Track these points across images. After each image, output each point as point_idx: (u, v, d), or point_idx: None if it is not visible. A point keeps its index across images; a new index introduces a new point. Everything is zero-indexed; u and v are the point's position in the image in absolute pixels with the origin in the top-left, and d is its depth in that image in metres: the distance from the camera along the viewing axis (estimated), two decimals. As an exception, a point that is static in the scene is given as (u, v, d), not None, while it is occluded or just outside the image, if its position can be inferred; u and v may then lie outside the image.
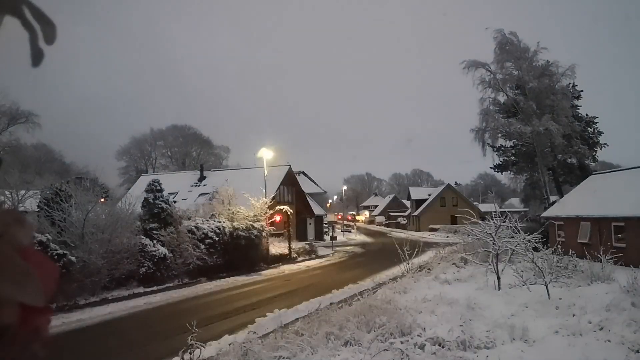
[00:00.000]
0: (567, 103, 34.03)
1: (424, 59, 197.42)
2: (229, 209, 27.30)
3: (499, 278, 13.91)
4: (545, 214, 28.79)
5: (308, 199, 47.88)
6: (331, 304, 12.65)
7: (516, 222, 15.16)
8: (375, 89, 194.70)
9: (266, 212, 28.47)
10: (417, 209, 75.65)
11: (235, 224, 25.66)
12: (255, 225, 26.49)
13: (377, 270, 22.77)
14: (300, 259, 31.72)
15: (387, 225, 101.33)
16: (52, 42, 0.76)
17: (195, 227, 23.29)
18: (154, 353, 10.08)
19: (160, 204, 21.97)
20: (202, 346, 8.35)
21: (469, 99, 77.37)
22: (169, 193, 28.32)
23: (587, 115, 36.58)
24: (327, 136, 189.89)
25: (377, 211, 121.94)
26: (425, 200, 75.11)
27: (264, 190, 29.61)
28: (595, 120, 36.38)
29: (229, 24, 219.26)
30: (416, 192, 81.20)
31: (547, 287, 12.28)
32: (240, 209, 27.44)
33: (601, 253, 16.11)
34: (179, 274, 21.18)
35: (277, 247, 30.07)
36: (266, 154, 30.33)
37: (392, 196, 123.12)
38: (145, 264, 19.72)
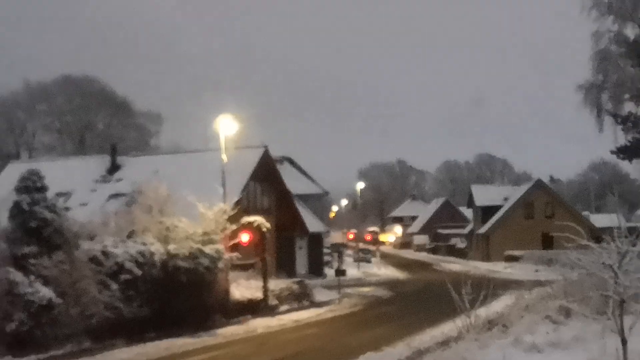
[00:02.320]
0: None
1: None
2: (160, 222, 27.19)
3: (625, 342, 13.90)
4: None
5: (297, 204, 47.75)
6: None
7: (656, 245, 15.13)
8: (416, 29, 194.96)
9: (225, 228, 28.40)
10: (484, 222, 75.62)
11: (171, 247, 25.57)
12: (207, 250, 26.41)
13: (416, 328, 22.70)
14: (283, 308, 31.60)
15: (432, 251, 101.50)
16: None
17: (103, 252, 23.19)
18: None
19: (42, 213, 21.85)
20: None
21: (574, 37, 77.27)
22: (56, 194, 28.11)
23: None
24: (333, 101, 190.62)
25: (415, 226, 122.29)
26: (498, 207, 75.10)
27: (222, 190, 29.52)
28: None
29: None
30: (483, 194, 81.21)
31: None
32: (180, 221, 27.36)
33: None
34: (74, 332, 21.10)
35: (244, 288, 29.98)
36: (227, 126, 30.12)
37: (441, 200, 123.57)
38: (15, 317, 19.60)
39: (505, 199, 76.41)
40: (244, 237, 30.67)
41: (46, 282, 20.88)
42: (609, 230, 16.24)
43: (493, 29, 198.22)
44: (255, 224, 31.39)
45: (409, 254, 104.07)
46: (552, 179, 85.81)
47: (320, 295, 36.59)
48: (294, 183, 50.51)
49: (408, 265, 72.14)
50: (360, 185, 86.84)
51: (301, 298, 33.98)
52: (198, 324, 25.02)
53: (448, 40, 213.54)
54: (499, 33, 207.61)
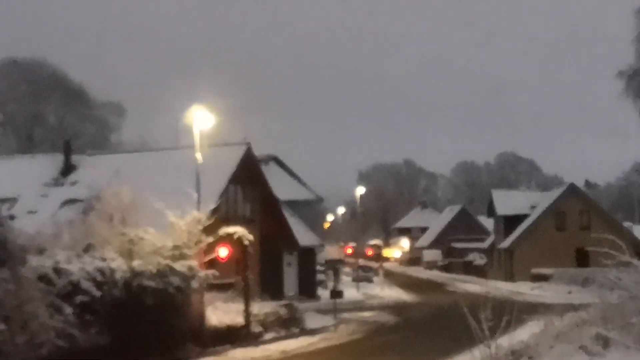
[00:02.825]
0: None
1: None
2: (122, 234, 27.20)
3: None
4: None
5: (286, 213, 47.74)
6: None
7: None
8: (429, 11, 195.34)
9: (199, 241, 28.43)
10: (507, 234, 75.74)
11: (136, 263, 25.55)
12: (178, 266, 26.44)
13: (426, 361, 22.80)
14: (268, 336, 31.63)
15: (446, 268, 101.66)
16: None
17: (55, 269, 23.14)
18: None
19: (-17, 223, 21.85)
20: None
21: (613, 16, 77.77)
22: None
23: None
24: (329, 92, 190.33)
25: (425, 239, 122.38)
26: (524, 217, 75.23)
27: (196, 195, 29.54)
28: None
29: None
30: (506, 201, 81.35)
31: None
32: (146, 233, 27.38)
33: None
34: (20, 365, 21.09)
35: (221, 312, 29.99)
36: (202, 119, 30.14)
37: (456, 209, 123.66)
38: (-50, 345, 19.57)
39: (533, 207, 76.54)
40: (222, 252, 30.67)
41: (-14, 304, 20.84)
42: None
43: (516, 9, 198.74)
44: (235, 236, 31.39)
45: (417, 272, 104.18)
46: (587, 183, 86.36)
47: (312, 321, 36.60)
48: (282, 187, 50.56)
49: (417, 286, 72.22)
50: (361, 190, 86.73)
51: (290, 324, 33.96)
52: (167, 355, 25.01)
53: (465, 25, 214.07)
54: (524, 15, 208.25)
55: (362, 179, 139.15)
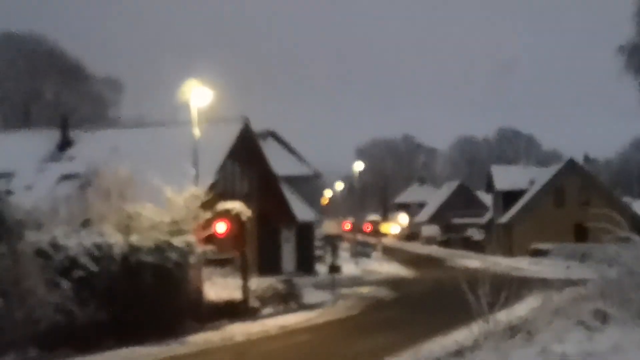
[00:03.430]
0: None
1: None
2: (120, 209, 27.15)
3: (671, 352, 13.96)
4: None
5: (284, 188, 47.70)
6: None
7: None
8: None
9: (197, 216, 28.40)
10: (506, 210, 75.79)
11: (133, 239, 25.52)
12: (176, 242, 26.41)
13: (424, 336, 22.71)
14: (266, 311, 31.71)
15: (444, 244, 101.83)
16: None
17: (53, 245, 23.11)
18: None
19: (-20, 198, 21.80)
20: None
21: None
22: (-3, 175, 28.03)
23: None
24: (327, 65, 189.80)
25: (424, 215, 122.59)
26: (523, 192, 75.28)
27: (194, 171, 29.46)
28: None
29: None
30: (505, 177, 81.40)
31: None
32: (144, 208, 27.33)
33: None
34: (18, 340, 21.07)
35: (220, 288, 30.00)
36: (200, 95, 30.01)
37: (455, 184, 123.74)
38: (-52, 321, 19.56)
39: (531, 183, 76.62)
40: (220, 227, 30.65)
41: (-16, 280, 20.82)
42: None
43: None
44: (233, 212, 31.34)
45: (416, 247, 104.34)
46: (587, 158, 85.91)
47: (310, 296, 36.68)
48: (280, 163, 50.43)
49: (415, 261, 72.24)
50: (359, 166, 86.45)
51: (288, 299, 34.04)
52: (165, 330, 24.95)
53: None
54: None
55: (360, 154, 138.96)
